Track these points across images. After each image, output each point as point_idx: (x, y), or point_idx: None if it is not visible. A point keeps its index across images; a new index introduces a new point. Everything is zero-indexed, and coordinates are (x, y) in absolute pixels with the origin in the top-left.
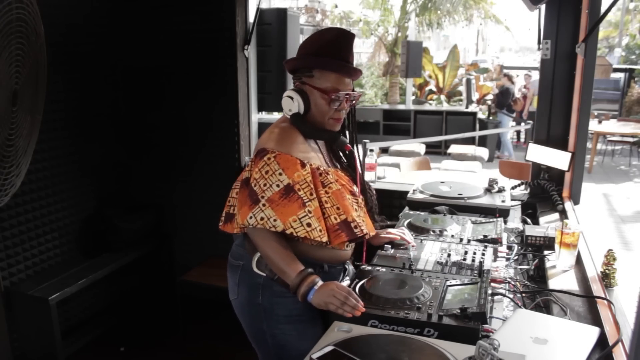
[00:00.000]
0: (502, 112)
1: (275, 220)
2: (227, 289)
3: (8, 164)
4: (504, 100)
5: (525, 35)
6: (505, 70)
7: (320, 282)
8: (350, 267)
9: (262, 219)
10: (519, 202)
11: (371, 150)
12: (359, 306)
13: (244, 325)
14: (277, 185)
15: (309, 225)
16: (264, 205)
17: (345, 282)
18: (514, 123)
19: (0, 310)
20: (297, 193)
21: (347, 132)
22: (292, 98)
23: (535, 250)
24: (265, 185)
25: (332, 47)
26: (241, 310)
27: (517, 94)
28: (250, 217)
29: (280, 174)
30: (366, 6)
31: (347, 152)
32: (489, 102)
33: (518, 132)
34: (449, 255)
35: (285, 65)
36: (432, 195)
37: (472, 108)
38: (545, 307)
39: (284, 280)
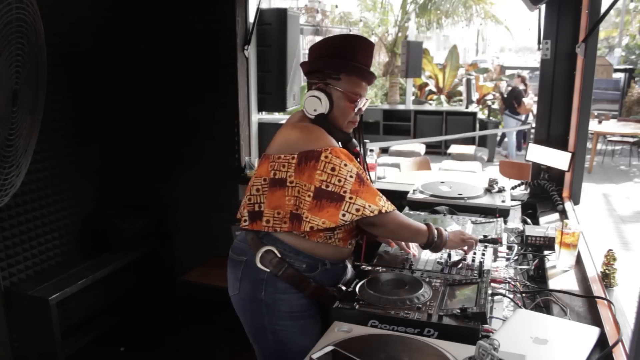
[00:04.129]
0: (505, 113)
1: (370, 205)
2: (227, 289)
3: (8, 164)
4: (509, 101)
5: (525, 35)
6: (517, 71)
7: (446, 231)
8: (349, 265)
9: (357, 210)
10: (519, 202)
11: (371, 150)
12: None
13: (244, 322)
14: (351, 177)
15: (386, 200)
16: (351, 198)
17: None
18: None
19: (0, 310)
20: (363, 177)
21: (355, 134)
22: (319, 98)
23: (535, 250)
24: (339, 181)
25: (361, 54)
26: (242, 306)
27: (528, 99)
28: (344, 215)
29: (346, 165)
30: (364, 8)
31: (353, 153)
32: (489, 103)
33: (519, 134)
34: (449, 255)
35: (308, 65)
36: (432, 195)
37: (472, 108)
38: (545, 307)
39: (287, 276)
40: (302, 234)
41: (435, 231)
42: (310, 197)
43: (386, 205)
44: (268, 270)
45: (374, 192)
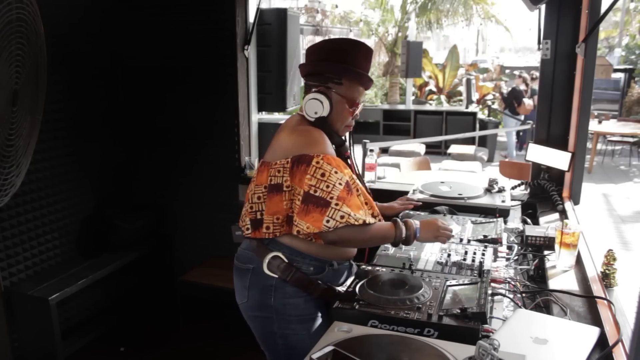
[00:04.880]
0: (504, 113)
1: (355, 214)
2: (227, 289)
3: (8, 164)
4: (508, 100)
5: (525, 35)
6: (518, 72)
7: (418, 223)
8: (354, 264)
9: (342, 217)
10: (519, 202)
11: (371, 151)
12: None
13: (254, 329)
14: (340, 184)
15: (369, 213)
16: (337, 204)
17: (350, 280)
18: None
19: (0, 310)
20: (352, 187)
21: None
22: (321, 102)
23: (535, 250)
24: (327, 187)
25: (362, 61)
26: (251, 314)
27: (529, 100)
28: (328, 221)
29: (336, 172)
30: (368, 6)
31: (345, 157)
32: (489, 103)
33: (518, 134)
34: (449, 255)
35: (308, 67)
36: (432, 195)
37: (472, 108)
38: (545, 307)
39: (296, 281)
40: (309, 237)
41: (403, 227)
42: (300, 201)
43: (368, 218)
44: (276, 276)
45: (358, 204)
